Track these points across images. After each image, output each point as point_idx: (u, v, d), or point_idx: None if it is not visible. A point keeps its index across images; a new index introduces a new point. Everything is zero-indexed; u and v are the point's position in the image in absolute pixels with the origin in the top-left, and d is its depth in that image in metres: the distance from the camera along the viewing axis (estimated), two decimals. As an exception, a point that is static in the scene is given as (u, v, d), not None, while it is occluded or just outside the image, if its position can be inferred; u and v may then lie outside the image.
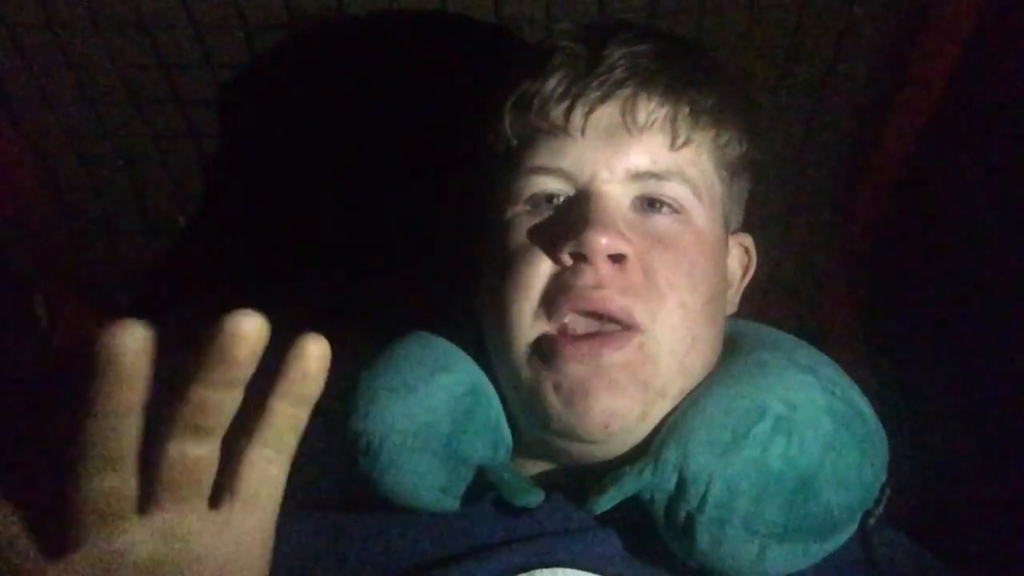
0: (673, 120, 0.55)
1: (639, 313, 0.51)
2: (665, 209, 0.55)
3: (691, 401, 0.52)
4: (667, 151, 0.55)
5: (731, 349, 0.57)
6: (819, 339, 0.92)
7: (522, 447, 0.57)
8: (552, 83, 0.56)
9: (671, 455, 0.49)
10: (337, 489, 0.60)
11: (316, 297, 0.95)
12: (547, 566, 0.52)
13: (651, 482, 0.49)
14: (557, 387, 0.51)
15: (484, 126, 0.60)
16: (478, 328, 0.59)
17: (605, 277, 0.51)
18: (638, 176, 0.54)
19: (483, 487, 0.54)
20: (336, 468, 0.58)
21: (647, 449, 0.52)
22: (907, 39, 0.76)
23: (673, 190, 0.55)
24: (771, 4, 0.75)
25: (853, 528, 0.50)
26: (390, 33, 0.76)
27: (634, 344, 0.51)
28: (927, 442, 0.79)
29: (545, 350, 0.52)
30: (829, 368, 0.54)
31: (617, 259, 0.52)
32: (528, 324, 0.53)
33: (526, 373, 0.53)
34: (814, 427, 0.49)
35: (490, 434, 0.54)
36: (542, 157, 0.56)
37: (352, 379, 0.56)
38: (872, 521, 0.51)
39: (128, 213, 0.89)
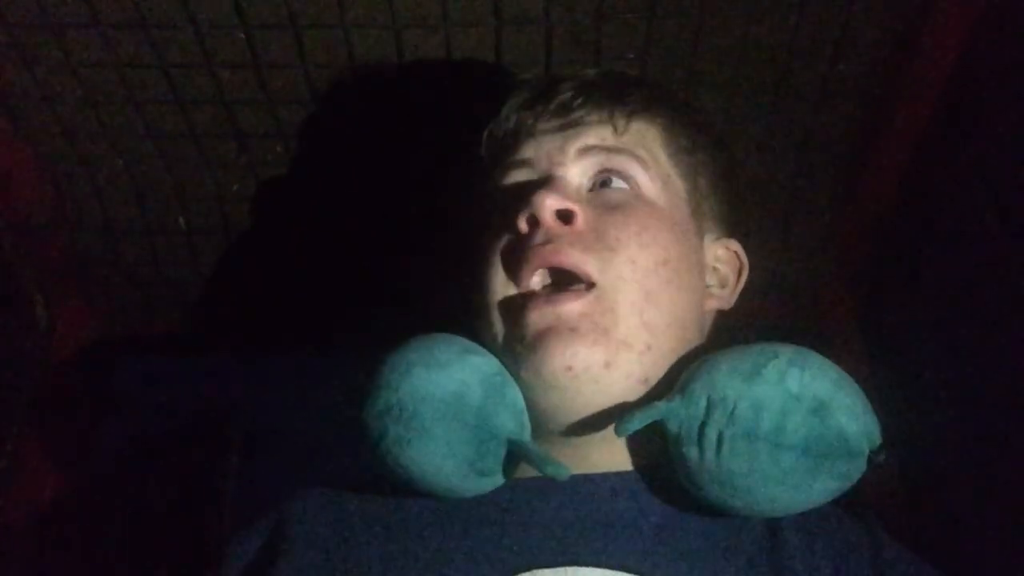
0: (612, 116, 0.62)
1: (590, 265, 0.56)
2: (617, 182, 0.61)
3: (705, 357, 0.56)
4: (613, 136, 0.62)
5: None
6: (819, 339, 0.93)
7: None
8: (514, 105, 0.65)
9: (698, 386, 0.54)
10: (357, 481, 0.61)
11: (315, 299, 0.95)
12: (549, 566, 0.53)
13: (680, 410, 0.54)
14: (521, 338, 0.56)
15: (473, 157, 0.68)
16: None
17: (555, 234, 0.57)
18: (588, 150, 0.61)
19: (511, 463, 0.57)
20: (356, 454, 0.58)
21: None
22: (907, 39, 0.77)
23: (622, 163, 0.61)
24: (771, 5, 0.75)
25: (863, 462, 0.52)
26: (392, 42, 0.77)
27: (590, 296, 0.56)
28: (927, 441, 0.79)
29: (511, 309, 0.58)
30: None
31: (565, 217, 0.58)
32: (497, 290, 0.59)
33: (499, 332, 0.59)
34: (823, 368, 0.54)
35: (518, 414, 0.57)
36: (509, 154, 0.64)
37: (380, 359, 0.58)
38: (881, 458, 0.53)
39: (128, 213, 0.89)
